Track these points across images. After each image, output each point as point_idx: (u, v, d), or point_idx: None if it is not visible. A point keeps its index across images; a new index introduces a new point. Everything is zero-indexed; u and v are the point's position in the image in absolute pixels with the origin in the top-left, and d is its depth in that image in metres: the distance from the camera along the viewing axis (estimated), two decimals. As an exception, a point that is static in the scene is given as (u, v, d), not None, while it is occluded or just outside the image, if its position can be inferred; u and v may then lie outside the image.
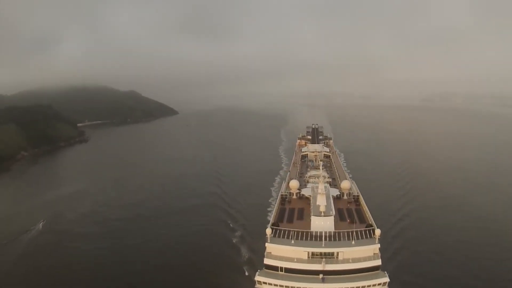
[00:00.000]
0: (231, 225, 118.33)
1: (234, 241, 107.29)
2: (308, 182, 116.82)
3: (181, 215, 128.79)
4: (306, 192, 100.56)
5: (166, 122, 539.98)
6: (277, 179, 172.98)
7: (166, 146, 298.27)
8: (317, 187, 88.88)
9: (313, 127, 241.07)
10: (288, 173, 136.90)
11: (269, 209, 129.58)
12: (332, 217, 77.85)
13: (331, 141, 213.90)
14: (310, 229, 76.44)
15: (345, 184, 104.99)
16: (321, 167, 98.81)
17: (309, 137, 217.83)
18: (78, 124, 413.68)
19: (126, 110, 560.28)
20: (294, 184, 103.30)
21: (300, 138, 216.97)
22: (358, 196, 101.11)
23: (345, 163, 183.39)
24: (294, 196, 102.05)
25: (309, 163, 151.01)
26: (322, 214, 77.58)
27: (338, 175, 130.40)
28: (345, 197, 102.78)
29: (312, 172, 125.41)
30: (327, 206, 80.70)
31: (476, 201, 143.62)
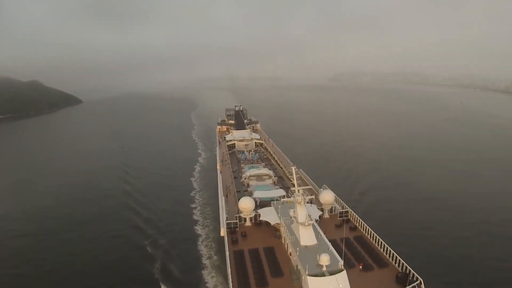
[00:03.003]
0: (148, 234, 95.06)
1: (150, 251, 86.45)
2: (249, 185, 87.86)
3: (93, 224, 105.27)
4: (266, 216, 64.62)
5: (71, 112, 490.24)
6: (197, 167, 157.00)
7: (72, 139, 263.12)
8: (291, 211, 55.58)
9: (236, 109, 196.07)
10: (219, 174, 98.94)
11: (192, 205, 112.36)
12: (345, 273, 43.97)
13: (258, 124, 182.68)
14: None
15: (327, 196, 68.61)
16: (294, 172, 60.51)
17: (232, 121, 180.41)
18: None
19: (29, 102, 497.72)
20: (247, 205, 66.56)
21: (220, 124, 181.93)
22: (347, 212, 66.97)
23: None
24: (248, 223, 66.98)
25: (240, 156, 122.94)
26: (326, 270, 43.59)
27: (286, 173, 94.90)
28: (326, 214, 68.82)
29: (253, 171, 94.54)
30: (330, 252, 46.26)
31: (422, 178, 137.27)
